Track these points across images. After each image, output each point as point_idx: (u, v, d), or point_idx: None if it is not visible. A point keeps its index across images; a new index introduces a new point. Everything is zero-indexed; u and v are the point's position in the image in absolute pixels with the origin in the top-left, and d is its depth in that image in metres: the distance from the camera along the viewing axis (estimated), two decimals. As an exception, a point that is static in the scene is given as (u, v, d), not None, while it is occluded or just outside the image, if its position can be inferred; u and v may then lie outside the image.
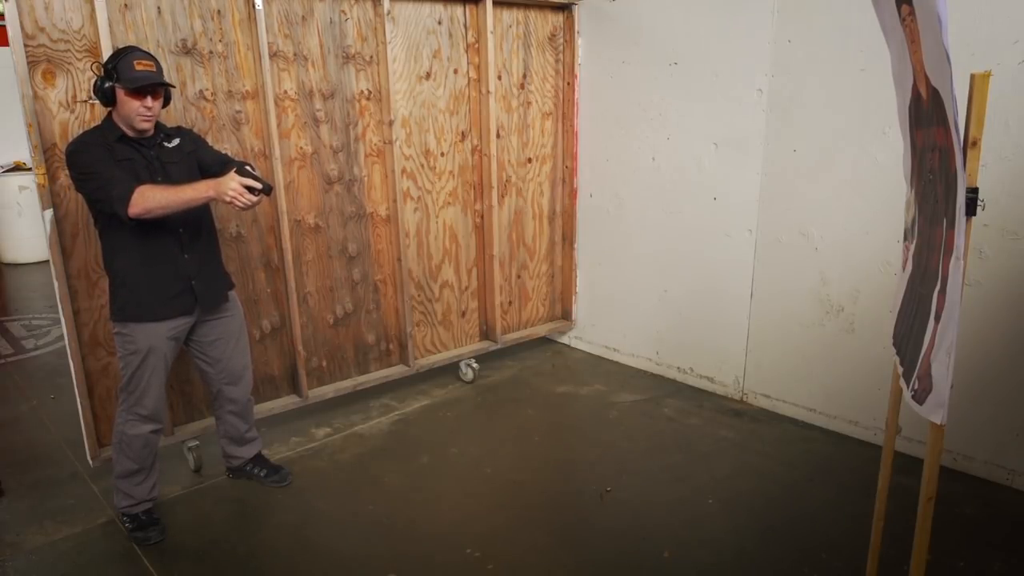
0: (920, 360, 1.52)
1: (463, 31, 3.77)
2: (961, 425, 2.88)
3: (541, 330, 4.52)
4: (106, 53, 2.60)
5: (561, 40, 4.16)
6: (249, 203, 2.36)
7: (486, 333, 4.26)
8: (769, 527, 2.69)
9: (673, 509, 2.82)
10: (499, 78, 3.93)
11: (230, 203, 2.34)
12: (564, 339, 4.70)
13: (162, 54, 2.86)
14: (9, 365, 4.55)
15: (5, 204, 7.00)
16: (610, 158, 4.15)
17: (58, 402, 3.93)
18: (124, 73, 2.34)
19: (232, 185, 2.33)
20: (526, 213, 4.29)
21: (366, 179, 3.58)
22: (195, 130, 2.88)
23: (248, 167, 2.43)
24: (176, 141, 2.56)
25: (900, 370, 1.72)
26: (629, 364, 4.28)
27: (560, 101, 4.26)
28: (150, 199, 2.31)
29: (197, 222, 2.60)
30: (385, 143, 3.59)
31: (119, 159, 2.39)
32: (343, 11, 3.33)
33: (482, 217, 4.08)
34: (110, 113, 2.45)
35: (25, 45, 2.57)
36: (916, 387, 1.53)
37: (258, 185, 2.36)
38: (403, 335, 3.85)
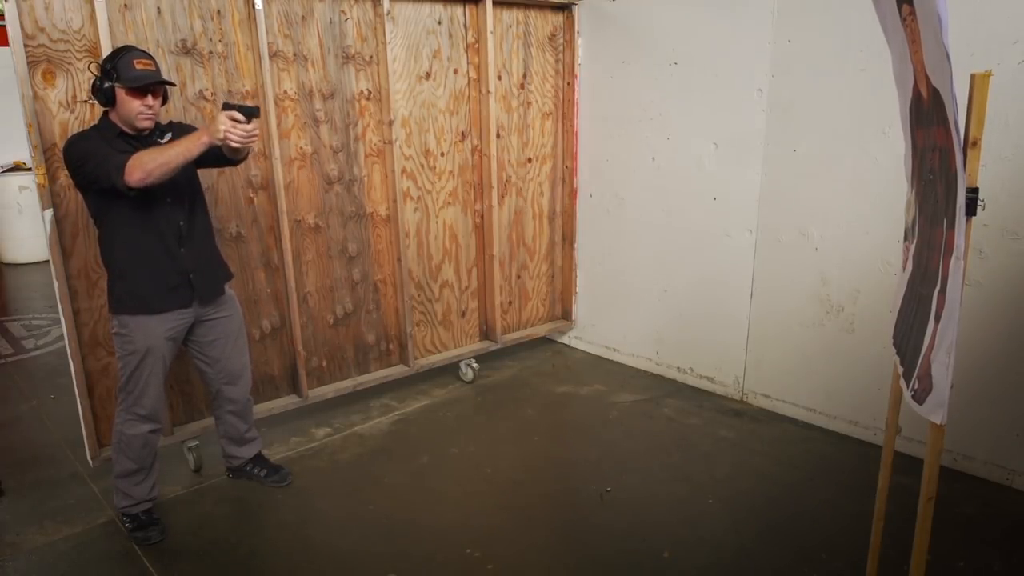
0: (920, 360, 1.52)
1: (463, 31, 3.77)
2: (961, 425, 2.88)
3: (541, 330, 4.52)
4: (106, 53, 2.60)
5: (561, 40, 4.16)
6: (244, 133, 2.28)
7: (486, 333, 4.26)
8: (769, 527, 2.69)
9: (673, 509, 2.83)
10: (499, 78, 3.93)
11: (225, 140, 2.27)
12: (564, 339, 4.70)
13: (162, 54, 2.87)
14: (9, 365, 4.55)
15: (5, 204, 7.00)
16: (610, 158, 4.15)
17: (58, 402, 3.93)
18: (124, 72, 2.34)
19: (221, 121, 2.25)
20: (526, 213, 4.29)
21: (366, 179, 3.58)
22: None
23: (228, 102, 2.35)
24: (168, 136, 2.55)
25: (900, 370, 1.72)
26: (629, 364, 4.28)
27: (560, 101, 4.26)
28: (147, 161, 2.27)
29: (194, 216, 2.60)
30: (385, 143, 3.59)
31: (117, 152, 2.38)
32: (343, 11, 3.33)
33: (482, 217, 4.08)
34: (106, 113, 2.45)
35: (25, 45, 2.57)
36: (916, 387, 1.53)
37: (242, 117, 2.28)
38: (403, 335, 3.85)
